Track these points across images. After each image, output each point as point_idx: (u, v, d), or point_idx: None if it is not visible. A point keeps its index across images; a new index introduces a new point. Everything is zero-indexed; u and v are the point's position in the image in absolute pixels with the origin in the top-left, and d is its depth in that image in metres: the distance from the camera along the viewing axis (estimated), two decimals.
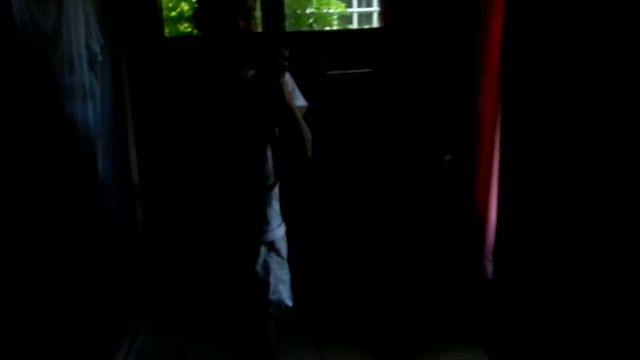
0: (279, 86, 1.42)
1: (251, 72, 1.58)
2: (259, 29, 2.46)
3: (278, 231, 1.67)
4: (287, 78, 1.61)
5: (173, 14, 2.68)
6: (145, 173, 2.56)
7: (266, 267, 1.63)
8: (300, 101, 1.62)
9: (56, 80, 1.61)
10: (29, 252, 1.50)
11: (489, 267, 2.07)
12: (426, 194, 2.64)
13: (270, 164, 1.62)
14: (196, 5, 1.48)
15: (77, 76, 1.74)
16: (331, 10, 2.98)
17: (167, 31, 2.61)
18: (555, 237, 1.59)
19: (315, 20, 2.84)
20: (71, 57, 1.69)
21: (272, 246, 1.65)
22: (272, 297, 1.63)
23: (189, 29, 2.75)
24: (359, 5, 3.31)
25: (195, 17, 1.48)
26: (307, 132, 1.54)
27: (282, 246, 1.69)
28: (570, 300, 1.53)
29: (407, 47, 2.57)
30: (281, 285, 1.66)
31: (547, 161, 1.62)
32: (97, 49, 1.81)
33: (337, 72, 2.55)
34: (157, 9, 2.47)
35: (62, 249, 1.70)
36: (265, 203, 1.62)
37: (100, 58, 1.85)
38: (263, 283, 1.62)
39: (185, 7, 2.66)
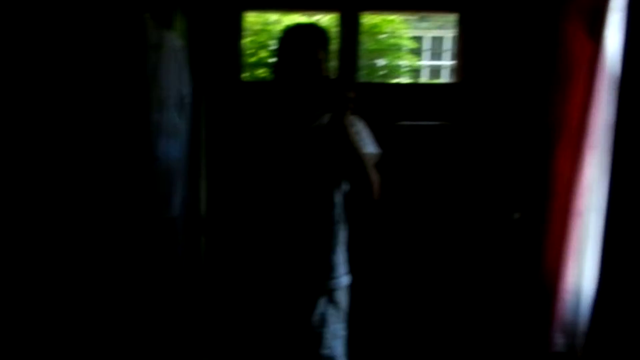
0: (343, 127, 1.46)
1: (326, 118, 1.63)
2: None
3: (342, 280, 1.65)
4: (360, 126, 1.65)
5: (252, 59, 2.83)
6: (212, 210, 2.63)
7: (323, 319, 1.60)
8: (371, 148, 1.64)
9: (148, 118, 1.72)
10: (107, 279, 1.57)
11: (559, 339, 1.96)
12: (492, 251, 2.56)
13: (338, 209, 1.63)
14: (274, 55, 1.60)
15: (166, 116, 1.84)
16: (403, 63, 3.05)
17: (244, 75, 2.75)
18: None
19: (387, 73, 2.91)
20: (162, 98, 1.80)
21: (332, 296, 1.62)
22: (324, 351, 1.59)
23: (265, 74, 2.88)
24: (431, 59, 3.38)
25: (274, 69, 1.61)
26: (374, 175, 1.55)
27: (343, 298, 1.66)
28: None
29: (479, 103, 2.57)
30: (336, 340, 1.62)
31: None
32: (186, 91, 1.92)
33: (407, 123, 2.57)
34: (239, 55, 2.61)
35: (135, 281, 1.77)
36: (330, 249, 1.62)
37: (187, 100, 1.97)
38: (317, 335, 1.59)
39: (263, 54, 2.81)
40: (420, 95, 2.63)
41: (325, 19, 2.77)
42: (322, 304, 1.60)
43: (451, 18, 2.67)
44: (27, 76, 1.31)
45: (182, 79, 1.91)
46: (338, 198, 1.64)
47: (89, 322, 1.51)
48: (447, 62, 2.97)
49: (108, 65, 1.36)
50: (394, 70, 3.00)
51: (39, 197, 1.39)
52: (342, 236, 1.67)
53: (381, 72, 2.92)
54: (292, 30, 1.61)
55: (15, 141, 1.29)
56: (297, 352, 1.62)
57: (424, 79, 3.38)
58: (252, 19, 2.76)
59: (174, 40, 1.83)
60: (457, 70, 2.69)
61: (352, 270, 1.72)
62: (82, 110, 1.36)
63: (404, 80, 3.07)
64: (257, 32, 2.80)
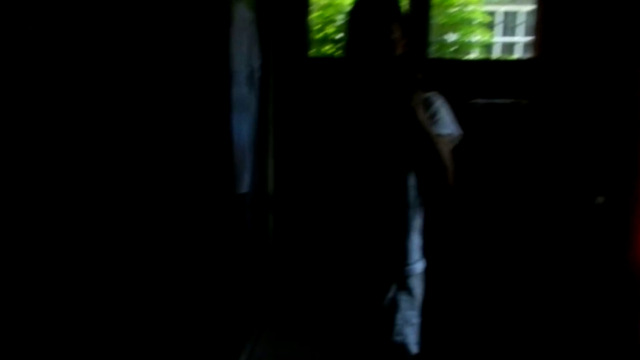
0: (412, 109, 1.37)
1: (395, 99, 1.55)
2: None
3: (415, 267, 1.57)
4: (439, 104, 1.56)
5: (318, 36, 2.78)
6: (279, 186, 2.63)
7: (394, 305, 1.54)
8: (450, 129, 1.53)
9: (218, 93, 1.71)
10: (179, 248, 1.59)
11: None
12: (573, 237, 2.42)
13: (412, 193, 1.55)
14: (344, 30, 1.53)
15: (237, 90, 1.83)
16: (476, 39, 2.92)
17: (311, 52, 2.70)
18: None
19: (457, 48, 2.79)
20: (233, 72, 1.79)
21: (405, 282, 1.56)
22: (396, 338, 1.53)
23: (331, 51, 2.83)
24: (504, 35, 3.21)
25: (345, 46, 1.52)
26: (448, 160, 1.45)
27: (417, 284, 1.59)
28: None
29: (559, 79, 2.41)
30: (408, 327, 1.55)
31: None
32: (257, 65, 1.90)
33: (481, 101, 2.46)
34: (306, 31, 2.57)
35: (203, 252, 1.78)
36: (405, 234, 1.55)
37: (258, 74, 1.95)
38: (388, 321, 1.54)
39: (330, 30, 2.75)
40: (494, 71, 2.49)
41: None
42: (393, 289, 1.54)
43: None
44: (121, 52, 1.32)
45: (252, 52, 1.89)
46: (412, 181, 1.56)
47: (163, 291, 1.54)
48: (520, 37, 2.79)
49: (194, 40, 1.34)
50: (465, 46, 2.87)
51: (122, 171, 1.41)
52: (417, 221, 1.58)
53: (452, 48, 2.79)
54: (363, 2, 1.53)
55: (103, 111, 1.32)
56: (368, 338, 1.58)
57: (496, 54, 3.22)
58: None
59: (244, 12, 1.80)
60: (534, 46, 2.54)
61: (427, 255, 1.66)
62: (165, 87, 1.36)
63: (476, 56, 2.93)
64: (323, 7, 2.74)
